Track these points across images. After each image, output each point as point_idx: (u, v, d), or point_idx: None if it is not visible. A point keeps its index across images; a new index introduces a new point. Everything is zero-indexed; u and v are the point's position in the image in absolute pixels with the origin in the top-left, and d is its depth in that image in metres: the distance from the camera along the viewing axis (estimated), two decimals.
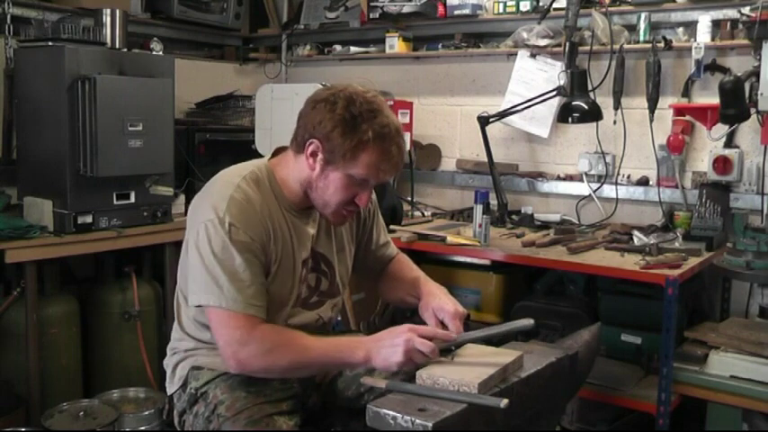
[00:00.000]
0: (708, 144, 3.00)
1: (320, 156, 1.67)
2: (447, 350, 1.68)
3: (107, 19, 3.06)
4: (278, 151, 1.84)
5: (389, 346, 1.59)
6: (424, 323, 1.77)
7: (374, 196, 1.95)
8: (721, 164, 2.92)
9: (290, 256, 1.76)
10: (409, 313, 2.75)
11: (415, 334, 1.58)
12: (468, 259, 3.05)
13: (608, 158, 3.26)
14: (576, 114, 3.05)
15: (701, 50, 2.91)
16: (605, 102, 3.15)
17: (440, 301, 1.80)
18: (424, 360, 1.59)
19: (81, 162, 2.72)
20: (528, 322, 1.74)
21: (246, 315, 1.62)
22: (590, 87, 3.10)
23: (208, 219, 1.64)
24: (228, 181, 1.70)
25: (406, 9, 3.64)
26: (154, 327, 3.17)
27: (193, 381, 1.77)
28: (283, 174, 1.77)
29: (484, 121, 3.24)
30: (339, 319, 2.14)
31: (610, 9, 3.12)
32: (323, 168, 1.68)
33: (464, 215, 3.43)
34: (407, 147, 1.76)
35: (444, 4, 3.55)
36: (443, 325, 1.75)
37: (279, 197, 1.75)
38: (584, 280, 2.92)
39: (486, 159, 3.29)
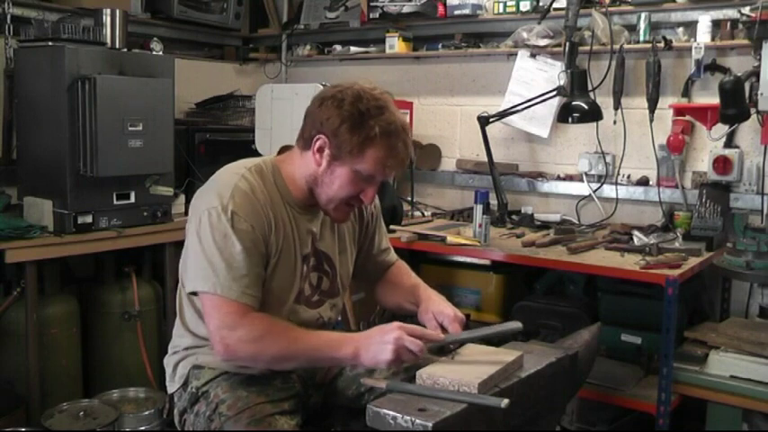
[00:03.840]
0: (708, 144, 3.00)
1: (327, 151, 1.68)
2: (446, 350, 1.68)
3: (107, 19, 3.05)
4: (283, 150, 1.86)
5: (379, 343, 1.58)
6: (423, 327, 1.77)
7: (377, 201, 1.95)
8: (721, 164, 2.92)
9: (291, 249, 1.76)
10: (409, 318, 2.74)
11: (404, 332, 1.58)
12: (468, 259, 3.06)
13: (608, 158, 3.26)
14: (576, 114, 3.05)
15: (700, 50, 2.91)
16: (605, 102, 3.15)
17: (439, 306, 1.81)
18: (412, 359, 1.58)
19: (81, 162, 2.72)
20: (516, 325, 1.78)
21: (239, 303, 1.62)
22: (590, 87, 3.10)
23: (211, 206, 1.65)
24: (234, 171, 1.73)
25: (406, 9, 3.63)
26: (154, 327, 3.17)
27: (194, 380, 1.77)
28: (289, 170, 1.78)
29: (484, 121, 3.23)
30: (339, 319, 2.14)
31: (610, 9, 3.12)
32: (329, 164, 1.69)
33: (464, 215, 3.43)
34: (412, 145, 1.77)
35: (444, 4, 3.55)
36: (443, 328, 1.75)
37: (282, 191, 1.76)
38: (584, 280, 2.92)
39: (486, 159, 3.29)
